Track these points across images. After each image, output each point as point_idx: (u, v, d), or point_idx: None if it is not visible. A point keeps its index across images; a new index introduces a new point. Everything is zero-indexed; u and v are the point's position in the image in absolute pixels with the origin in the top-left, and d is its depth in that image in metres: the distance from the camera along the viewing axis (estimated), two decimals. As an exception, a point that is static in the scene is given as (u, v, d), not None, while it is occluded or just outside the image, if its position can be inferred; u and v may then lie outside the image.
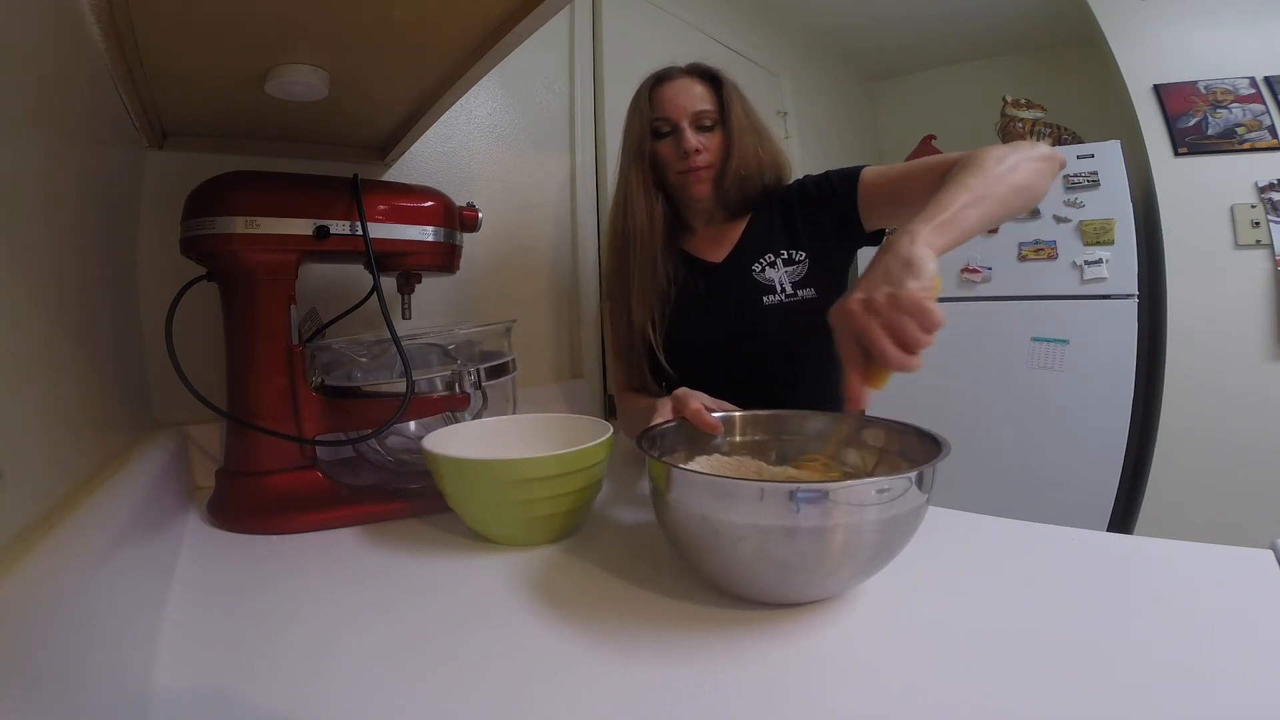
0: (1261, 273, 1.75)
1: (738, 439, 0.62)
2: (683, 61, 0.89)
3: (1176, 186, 1.86)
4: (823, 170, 0.88)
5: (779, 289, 0.85)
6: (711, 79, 0.87)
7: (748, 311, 0.85)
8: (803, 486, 0.40)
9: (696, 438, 0.60)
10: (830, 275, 0.86)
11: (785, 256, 0.86)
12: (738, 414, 0.63)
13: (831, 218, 0.85)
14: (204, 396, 0.63)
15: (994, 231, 2.08)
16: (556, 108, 1.24)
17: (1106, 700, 0.33)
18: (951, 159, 0.70)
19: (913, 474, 0.41)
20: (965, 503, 0.61)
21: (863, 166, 0.83)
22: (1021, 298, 2.03)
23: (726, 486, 0.42)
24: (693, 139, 0.84)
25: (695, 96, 0.85)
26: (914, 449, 0.51)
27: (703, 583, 0.48)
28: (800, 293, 0.84)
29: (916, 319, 0.45)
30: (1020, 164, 0.65)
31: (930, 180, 0.70)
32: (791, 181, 0.92)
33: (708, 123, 0.86)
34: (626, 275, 0.89)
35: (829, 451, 0.57)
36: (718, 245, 0.91)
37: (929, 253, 0.50)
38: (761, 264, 0.86)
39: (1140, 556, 0.52)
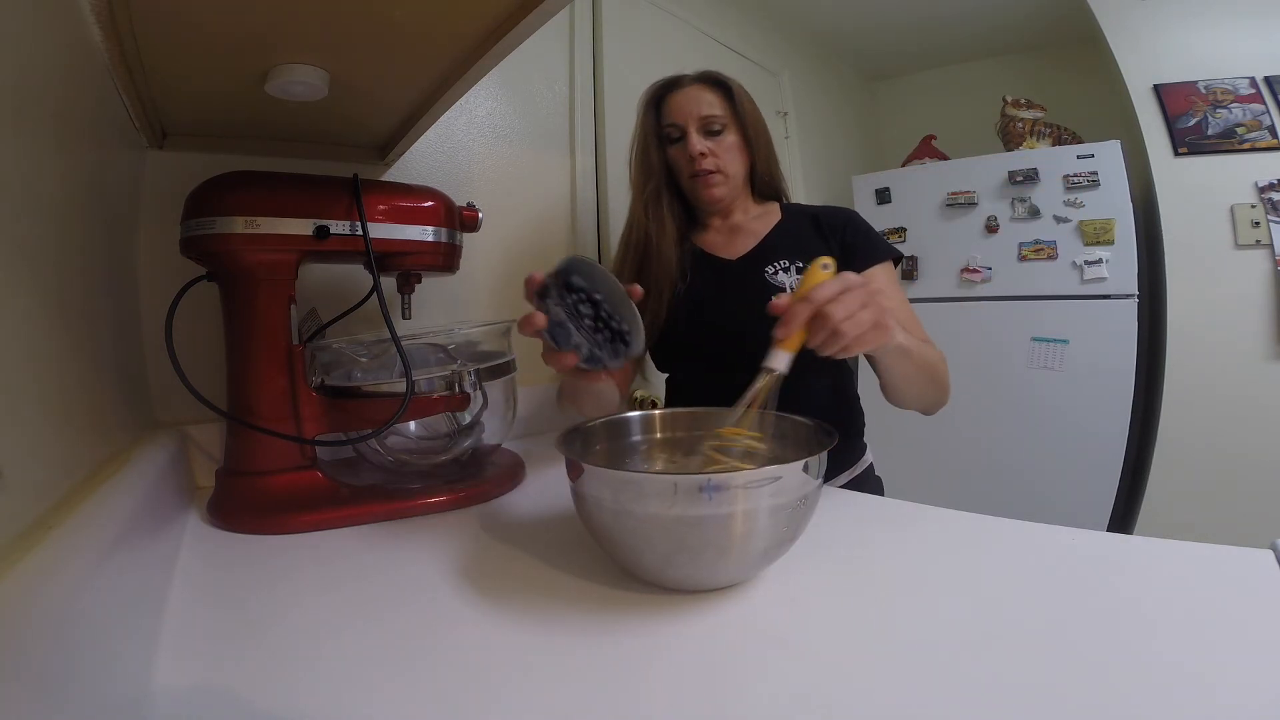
0: (1261, 273, 1.75)
1: (658, 436, 0.63)
2: (691, 70, 0.92)
3: (1176, 186, 1.86)
4: (840, 204, 0.93)
5: (789, 291, 0.86)
6: (721, 86, 0.89)
7: (754, 308, 0.86)
8: (681, 478, 0.44)
9: (617, 434, 0.62)
10: None
11: (800, 266, 0.87)
12: (657, 412, 0.64)
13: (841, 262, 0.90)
14: (204, 396, 0.63)
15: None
16: (556, 108, 1.24)
17: (1105, 701, 0.33)
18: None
19: (799, 463, 0.44)
20: (964, 502, 0.61)
21: (887, 259, 0.87)
22: (1021, 298, 2.04)
23: (617, 478, 0.46)
24: (698, 143, 0.86)
25: (704, 102, 0.87)
26: (807, 440, 0.55)
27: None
28: None
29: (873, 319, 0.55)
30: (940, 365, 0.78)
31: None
32: (837, 208, 0.95)
33: (716, 127, 0.87)
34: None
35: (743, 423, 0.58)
36: (734, 243, 0.93)
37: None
38: (775, 267, 0.87)
39: (1139, 556, 0.52)
